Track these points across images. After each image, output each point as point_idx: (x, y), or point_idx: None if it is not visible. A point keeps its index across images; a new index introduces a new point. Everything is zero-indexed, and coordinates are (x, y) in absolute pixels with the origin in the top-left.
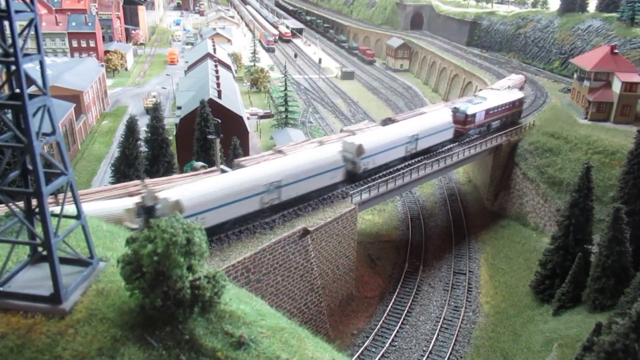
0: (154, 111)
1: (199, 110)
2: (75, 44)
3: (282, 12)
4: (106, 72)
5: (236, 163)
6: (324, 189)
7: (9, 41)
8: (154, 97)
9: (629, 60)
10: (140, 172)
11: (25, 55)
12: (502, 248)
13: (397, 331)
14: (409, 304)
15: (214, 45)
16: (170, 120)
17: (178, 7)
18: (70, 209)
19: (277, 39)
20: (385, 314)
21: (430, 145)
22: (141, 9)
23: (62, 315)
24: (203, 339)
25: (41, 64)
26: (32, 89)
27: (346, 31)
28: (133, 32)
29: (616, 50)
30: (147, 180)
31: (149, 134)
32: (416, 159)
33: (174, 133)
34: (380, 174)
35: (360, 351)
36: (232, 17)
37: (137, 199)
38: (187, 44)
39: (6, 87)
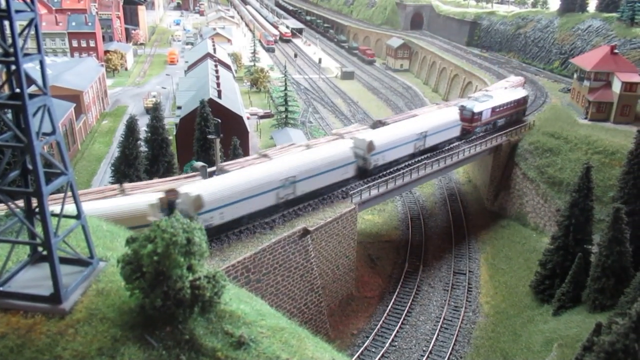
0: (154, 111)
1: (199, 110)
2: (75, 43)
3: (282, 12)
4: (106, 72)
5: (219, 168)
6: (335, 184)
7: (9, 41)
8: (154, 97)
9: (629, 60)
10: (140, 172)
11: (26, 55)
12: (502, 248)
13: (397, 331)
14: (409, 304)
15: (214, 45)
16: (170, 120)
17: (178, 7)
18: (70, 208)
19: (278, 39)
20: (385, 314)
21: (438, 143)
22: (141, 9)
23: (62, 315)
24: (203, 339)
25: (41, 63)
26: (32, 88)
27: (346, 31)
28: (133, 32)
29: (616, 50)
30: (126, 185)
31: (149, 134)
32: (419, 157)
33: (174, 133)
34: (382, 173)
35: (360, 351)
36: (232, 17)
37: (160, 195)
38: (187, 44)
39: (6, 87)
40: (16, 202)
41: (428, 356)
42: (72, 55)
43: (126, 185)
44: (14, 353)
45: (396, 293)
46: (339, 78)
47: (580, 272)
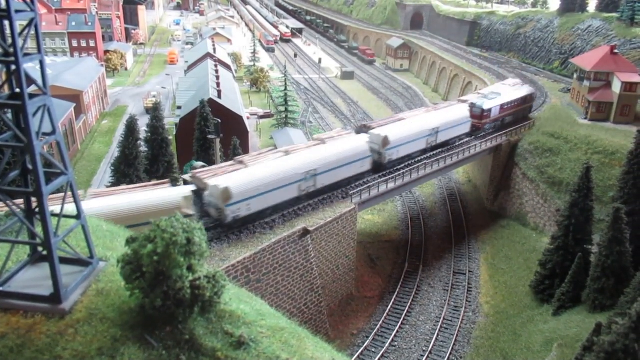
0: (154, 111)
1: (199, 110)
2: (75, 43)
3: (282, 12)
4: (106, 71)
5: (193, 175)
6: (352, 177)
7: (9, 41)
8: (154, 97)
9: (629, 60)
10: (140, 172)
11: (26, 55)
12: (502, 248)
13: (397, 331)
14: (408, 304)
15: (214, 45)
16: (170, 120)
17: (178, 7)
18: (70, 208)
19: (279, 39)
20: (385, 314)
21: (448, 139)
22: (141, 9)
23: (62, 315)
24: (203, 339)
25: (41, 63)
26: (32, 88)
27: (346, 31)
28: (133, 32)
29: (616, 51)
30: (90, 191)
31: (149, 134)
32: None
33: (174, 133)
34: (396, 167)
35: (360, 351)
36: (232, 17)
37: (193, 187)
38: (187, 43)
39: (6, 87)
40: (16, 202)
41: (428, 356)
42: (72, 55)
43: (90, 191)
44: (14, 353)
45: (396, 293)
46: (339, 78)
47: (580, 272)
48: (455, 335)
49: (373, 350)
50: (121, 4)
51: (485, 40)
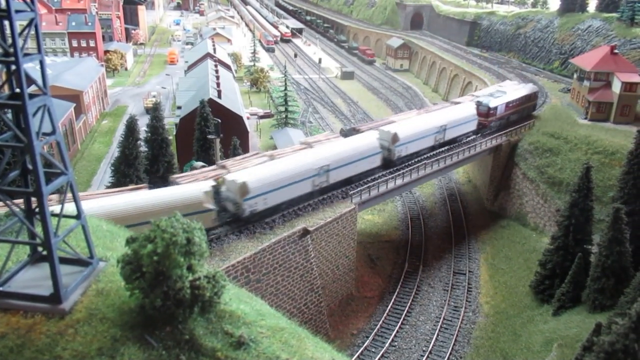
0: (154, 111)
1: (199, 110)
2: (75, 43)
3: (282, 12)
4: (106, 71)
5: (172, 180)
6: (363, 173)
7: (9, 41)
8: (154, 97)
9: (629, 61)
10: (140, 172)
11: (26, 55)
12: (502, 248)
13: (397, 331)
14: (408, 304)
15: (213, 45)
16: (170, 120)
17: (178, 7)
18: (70, 208)
19: (279, 40)
20: (385, 314)
21: (456, 136)
22: (141, 9)
23: (62, 315)
24: (203, 339)
25: (41, 63)
26: (32, 88)
27: (346, 31)
28: (133, 32)
29: (616, 51)
30: (52, 196)
31: (149, 134)
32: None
33: (174, 133)
34: (405, 163)
35: (360, 351)
36: (232, 17)
37: (213, 182)
38: (187, 43)
39: (6, 87)
40: (16, 202)
41: (428, 356)
42: (72, 55)
43: (52, 196)
44: (14, 353)
45: (396, 293)
46: (339, 78)
47: (580, 272)
48: (455, 335)
49: (373, 350)
50: (121, 4)
51: (485, 40)
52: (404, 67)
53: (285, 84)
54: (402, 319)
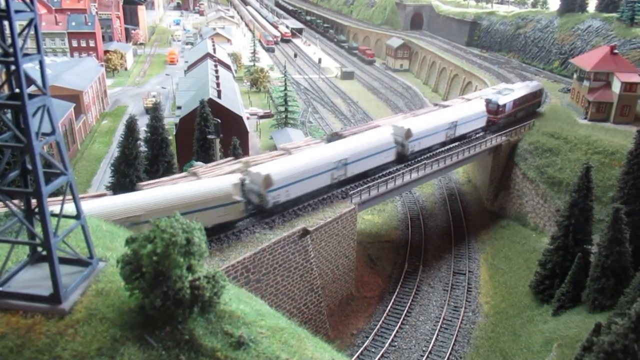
0: (154, 111)
1: (198, 110)
2: (75, 43)
3: (282, 12)
4: (106, 72)
5: (139, 186)
6: (378, 167)
7: (9, 41)
8: (154, 97)
9: (629, 61)
10: (140, 172)
11: (25, 55)
12: (501, 248)
13: (397, 331)
14: (408, 304)
15: (213, 45)
16: (170, 120)
17: (178, 7)
18: (70, 208)
19: (279, 40)
20: (384, 314)
21: (466, 132)
22: (141, 9)
23: (62, 315)
24: (203, 339)
25: (41, 63)
26: (32, 88)
27: (346, 31)
28: (133, 32)
29: (616, 51)
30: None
31: (149, 134)
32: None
33: (174, 133)
34: (417, 158)
35: (360, 351)
36: (232, 17)
37: (240, 175)
38: (187, 43)
39: (6, 87)
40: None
41: (428, 356)
42: (71, 55)
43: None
44: (13, 353)
45: (396, 293)
46: (339, 78)
47: (580, 272)
48: (455, 336)
49: (373, 350)
50: (121, 4)
51: (485, 40)
52: (403, 67)
53: (285, 84)
54: (402, 319)
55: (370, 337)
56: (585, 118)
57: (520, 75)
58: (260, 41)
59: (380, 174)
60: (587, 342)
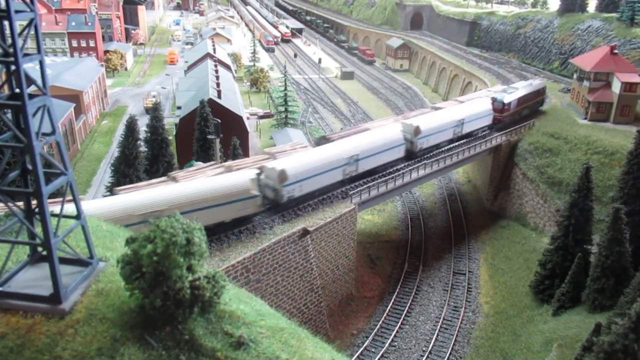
0: (154, 111)
1: (198, 110)
2: (75, 43)
3: (282, 12)
4: (106, 72)
5: (115, 191)
6: (388, 163)
7: (9, 41)
8: (154, 97)
9: (629, 61)
10: (140, 172)
11: (25, 55)
12: (501, 248)
13: (397, 331)
14: (408, 304)
15: (213, 45)
16: (170, 120)
17: (178, 7)
18: (70, 208)
19: (279, 40)
20: (384, 314)
21: (472, 130)
22: (141, 9)
23: (62, 315)
24: (203, 339)
25: (41, 63)
26: (32, 88)
27: (346, 31)
28: (133, 32)
29: (616, 51)
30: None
31: (149, 134)
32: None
33: (174, 133)
34: (426, 155)
35: (360, 351)
36: (232, 17)
37: (257, 171)
38: (187, 43)
39: (6, 87)
40: (16, 202)
41: (428, 356)
42: (72, 55)
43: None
44: (13, 353)
45: (396, 293)
46: (339, 78)
47: (580, 272)
48: (455, 336)
49: (373, 350)
50: (121, 4)
51: (485, 40)
52: (403, 67)
53: (285, 84)
54: (402, 319)
55: (370, 337)
56: (585, 118)
57: (520, 75)
58: (260, 41)
59: (388, 172)
60: (587, 342)
